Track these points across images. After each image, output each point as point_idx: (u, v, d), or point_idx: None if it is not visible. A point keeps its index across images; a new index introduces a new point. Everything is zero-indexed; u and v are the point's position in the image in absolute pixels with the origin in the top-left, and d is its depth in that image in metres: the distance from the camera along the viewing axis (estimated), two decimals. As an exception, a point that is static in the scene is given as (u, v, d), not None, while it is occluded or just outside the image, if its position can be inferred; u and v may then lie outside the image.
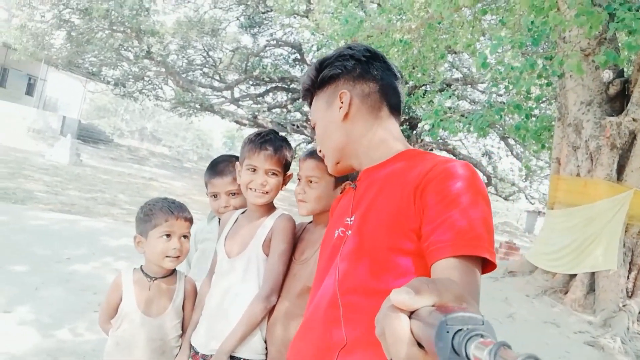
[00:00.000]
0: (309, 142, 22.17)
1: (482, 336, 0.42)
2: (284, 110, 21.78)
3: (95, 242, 5.62)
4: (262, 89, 22.32)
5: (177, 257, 1.73)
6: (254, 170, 1.63)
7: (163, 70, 21.14)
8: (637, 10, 6.29)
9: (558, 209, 6.61)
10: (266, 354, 1.58)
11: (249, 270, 1.61)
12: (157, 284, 1.76)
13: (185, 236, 1.76)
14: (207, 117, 24.84)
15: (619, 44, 6.63)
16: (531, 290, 6.24)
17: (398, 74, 1.24)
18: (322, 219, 1.62)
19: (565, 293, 6.10)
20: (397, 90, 1.22)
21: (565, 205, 6.48)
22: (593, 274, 5.92)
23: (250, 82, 22.31)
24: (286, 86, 21.41)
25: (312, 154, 1.55)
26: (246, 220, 1.72)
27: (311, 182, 1.58)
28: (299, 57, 20.91)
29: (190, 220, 1.79)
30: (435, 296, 0.50)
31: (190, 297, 1.82)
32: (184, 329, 1.79)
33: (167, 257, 1.71)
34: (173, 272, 1.81)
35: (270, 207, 1.73)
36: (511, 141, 20.53)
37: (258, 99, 22.84)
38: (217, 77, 23.68)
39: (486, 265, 0.92)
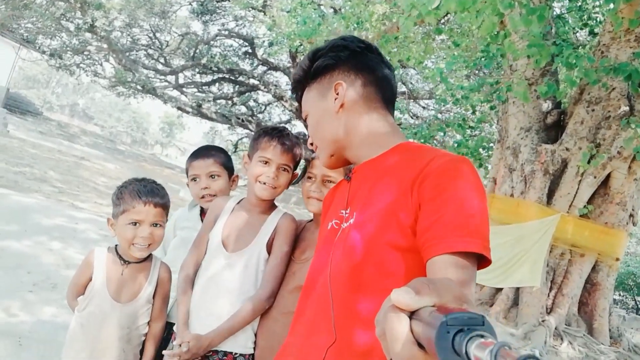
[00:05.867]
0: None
1: (482, 336, 0.42)
2: (230, 102, 21.44)
3: (27, 219, 5.27)
4: (209, 78, 21.83)
5: (148, 245, 1.63)
6: (266, 162, 1.59)
7: (105, 46, 20.19)
8: (577, 48, 6.82)
9: (491, 226, 6.96)
10: (254, 348, 1.56)
11: (248, 267, 1.57)
12: (131, 267, 1.68)
13: (156, 224, 1.64)
14: (147, 100, 24.01)
15: (559, 78, 7.13)
16: (460, 301, 6.55)
17: (391, 66, 1.23)
18: None
19: (491, 305, 6.46)
20: (391, 83, 1.21)
21: (498, 223, 6.85)
22: (518, 289, 6.31)
23: (197, 70, 21.77)
24: (234, 78, 21.07)
25: None
26: (246, 213, 1.67)
27: (328, 182, 1.56)
28: (249, 50, 20.66)
29: (162, 206, 1.66)
30: (435, 296, 0.51)
31: (163, 284, 1.73)
32: (152, 316, 1.71)
33: (133, 245, 1.61)
34: (149, 256, 1.72)
35: (271, 203, 1.70)
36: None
37: (203, 87, 22.34)
38: (162, 60, 22.93)
39: (481, 261, 0.91)
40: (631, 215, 6.37)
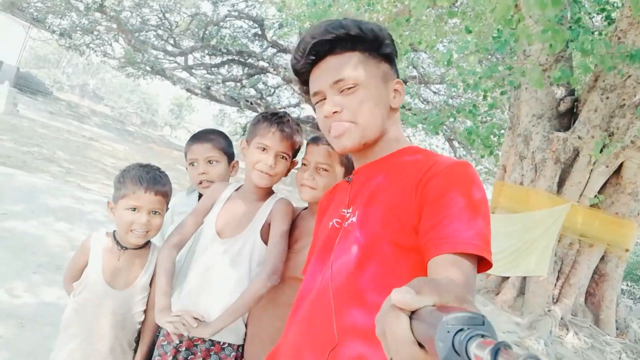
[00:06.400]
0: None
1: (482, 336, 0.42)
2: (239, 84, 21.33)
3: (33, 200, 5.28)
4: (218, 59, 21.69)
5: (146, 232, 1.61)
6: (264, 149, 1.54)
7: (115, 26, 20.12)
8: (593, 34, 6.65)
9: (499, 214, 6.91)
10: (244, 339, 1.53)
11: (241, 254, 1.53)
12: (128, 254, 1.66)
13: (155, 212, 1.62)
14: (156, 82, 23.97)
15: (573, 64, 6.97)
16: (465, 289, 6.53)
17: None
18: None
19: (497, 294, 6.42)
20: None
21: (507, 211, 6.78)
22: (524, 278, 6.26)
23: (206, 51, 21.62)
24: (243, 60, 20.93)
25: (325, 140, 1.45)
26: (242, 200, 1.63)
27: (322, 169, 1.51)
28: (259, 32, 20.48)
29: (163, 194, 1.64)
30: (435, 296, 0.51)
31: None
32: (148, 304, 1.68)
33: (131, 231, 1.59)
34: (147, 243, 1.70)
35: (269, 190, 1.66)
36: (455, 143, 21.25)
37: (212, 69, 22.23)
38: (172, 42, 22.81)
39: (482, 264, 0.92)
40: (643, 206, 6.26)
